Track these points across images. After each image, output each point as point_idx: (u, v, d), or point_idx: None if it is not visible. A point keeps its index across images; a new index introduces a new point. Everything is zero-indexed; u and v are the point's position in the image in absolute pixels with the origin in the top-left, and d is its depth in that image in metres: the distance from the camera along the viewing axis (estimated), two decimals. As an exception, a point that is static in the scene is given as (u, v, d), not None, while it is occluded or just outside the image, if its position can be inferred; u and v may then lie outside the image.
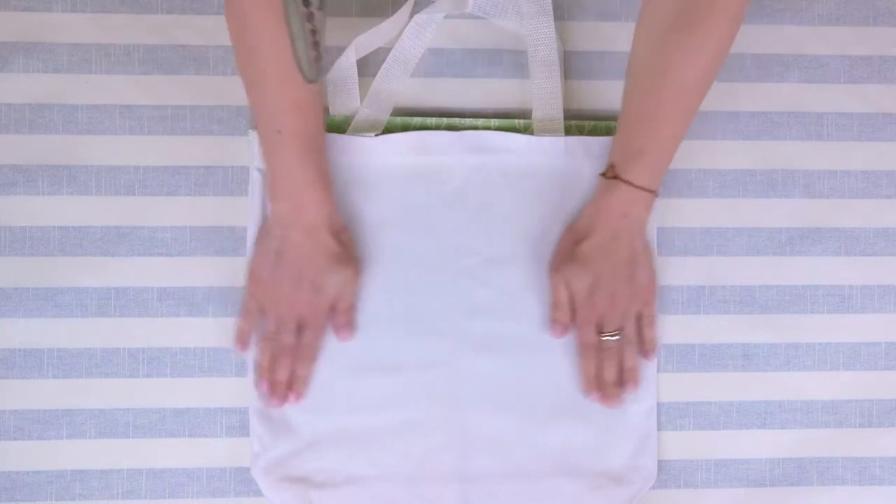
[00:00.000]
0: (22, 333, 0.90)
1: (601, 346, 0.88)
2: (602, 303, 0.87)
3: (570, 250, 0.87)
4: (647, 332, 0.89)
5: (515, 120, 0.92)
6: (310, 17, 0.78)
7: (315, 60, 0.79)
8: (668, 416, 0.93)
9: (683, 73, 0.81)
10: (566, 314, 0.88)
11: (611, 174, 0.85)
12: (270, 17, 0.78)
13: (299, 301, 0.85)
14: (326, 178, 0.86)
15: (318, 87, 0.84)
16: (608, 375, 0.89)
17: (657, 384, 0.92)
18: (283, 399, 0.88)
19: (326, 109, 0.92)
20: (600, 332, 0.88)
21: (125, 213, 0.91)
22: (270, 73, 0.81)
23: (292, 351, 0.87)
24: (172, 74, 0.92)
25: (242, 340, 0.88)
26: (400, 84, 0.92)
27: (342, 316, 0.88)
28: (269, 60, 0.80)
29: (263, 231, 0.88)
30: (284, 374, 0.87)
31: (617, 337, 0.88)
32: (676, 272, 0.93)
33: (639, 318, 0.89)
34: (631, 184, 0.84)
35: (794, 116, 0.95)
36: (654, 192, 0.85)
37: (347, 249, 0.87)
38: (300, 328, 0.87)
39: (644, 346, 0.90)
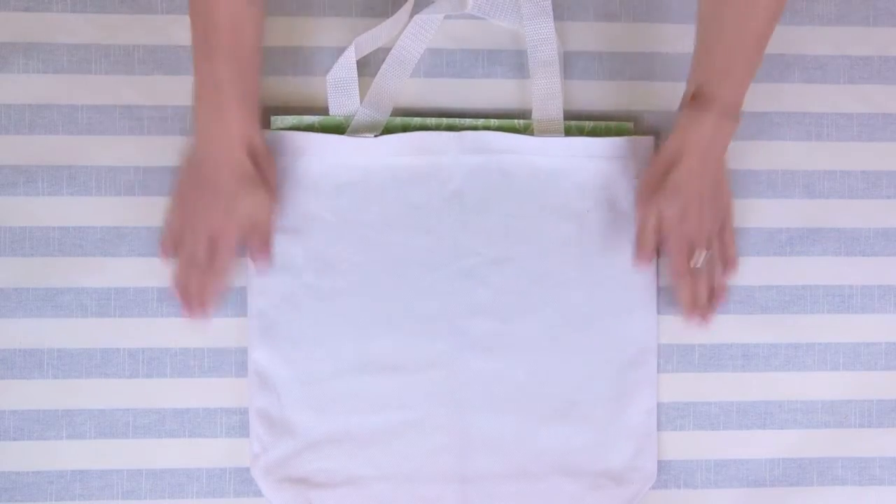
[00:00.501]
0: (22, 333, 0.90)
1: (693, 270, 0.89)
2: (693, 226, 0.87)
3: (659, 180, 0.86)
4: (731, 249, 0.91)
5: (515, 120, 0.92)
6: None
7: None
8: (668, 416, 0.93)
9: None
10: (653, 243, 0.88)
11: (700, 97, 0.83)
12: None
13: (211, 218, 0.85)
14: (253, 99, 0.84)
15: (259, 6, 0.82)
16: (703, 297, 0.89)
17: (657, 384, 0.92)
18: (196, 313, 0.87)
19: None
20: (690, 256, 0.88)
21: (125, 213, 0.91)
22: None
23: (205, 266, 0.86)
24: (172, 74, 0.92)
25: (164, 250, 0.88)
26: (400, 84, 0.92)
27: (255, 240, 0.87)
28: None
29: (189, 145, 0.87)
30: (195, 287, 0.87)
31: (705, 254, 0.88)
32: (676, 272, 0.93)
33: (721, 236, 0.90)
34: (722, 101, 0.82)
35: (794, 116, 0.95)
36: (737, 120, 0.84)
37: (264, 175, 0.86)
38: (213, 245, 0.86)
39: (728, 262, 0.91)
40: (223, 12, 0.80)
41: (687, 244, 0.87)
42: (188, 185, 0.86)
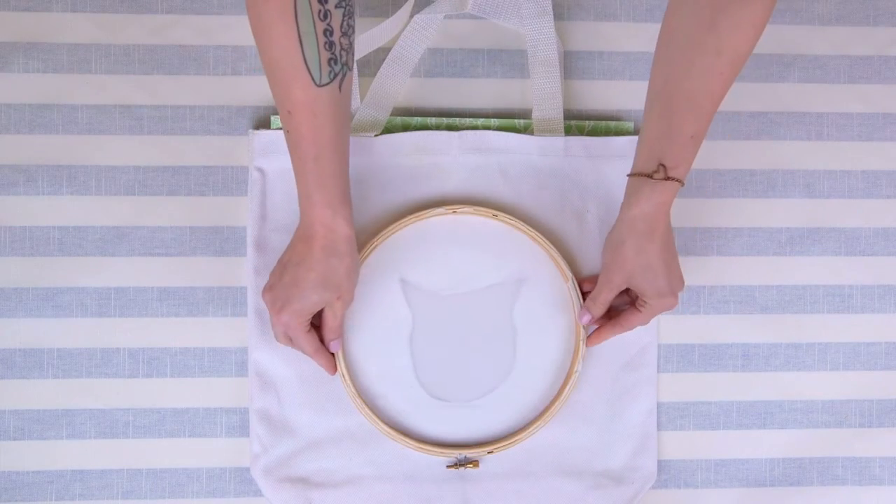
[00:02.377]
0: (22, 333, 0.90)
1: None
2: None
3: (634, 249, 0.82)
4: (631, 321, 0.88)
5: (515, 120, 0.92)
6: (324, 15, 0.74)
7: (328, 62, 0.75)
8: (668, 416, 0.93)
9: (740, 49, 0.76)
10: (604, 311, 0.88)
11: (662, 175, 0.80)
12: (280, 13, 0.73)
13: (277, 305, 0.83)
14: (328, 190, 0.80)
15: (332, 91, 0.76)
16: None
17: (657, 384, 0.92)
18: (333, 350, 0.86)
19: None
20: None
21: (125, 213, 0.91)
22: (279, 74, 0.76)
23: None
24: (172, 74, 0.92)
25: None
26: (400, 84, 0.92)
27: (324, 329, 0.85)
28: (277, 59, 0.75)
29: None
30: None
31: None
32: (676, 272, 0.93)
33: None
34: (681, 182, 0.80)
35: (794, 116, 0.95)
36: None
37: (336, 271, 0.82)
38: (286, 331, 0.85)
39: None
40: (292, 98, 0.76)
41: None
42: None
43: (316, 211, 0.79)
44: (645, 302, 0.84)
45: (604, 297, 0.86)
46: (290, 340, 0.85)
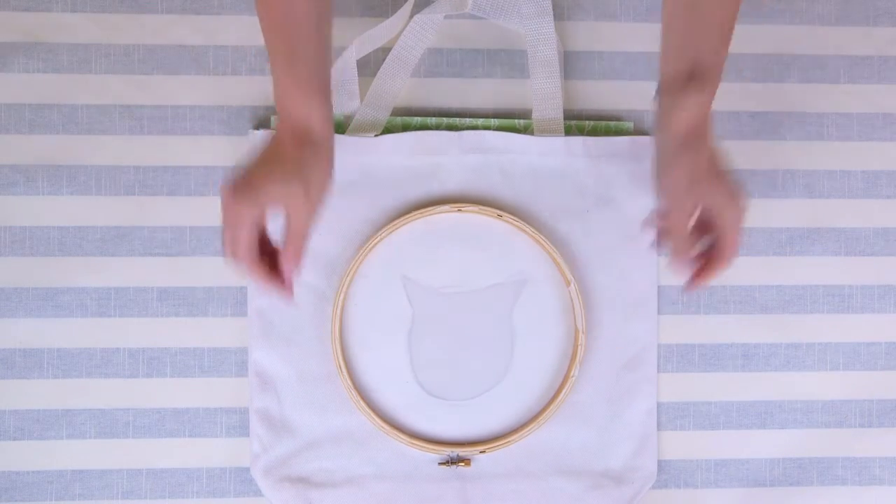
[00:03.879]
0: (22, 333, 0.90)
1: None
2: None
3: (687, 172, 0.77)
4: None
5: (515, 120, 0.92)
6: None
7: None
8: (668, 416, 0.93)
9: None
10: (692, 245, 0.80)
11: (699, 76, 0.75)
12: None
13: (237, 195, 0.73)
14: (299, 75, 0.73)
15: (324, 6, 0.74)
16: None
17: (657, 384, 0.92)
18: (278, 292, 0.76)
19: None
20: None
21: (125, 213, 0.91)
22: None
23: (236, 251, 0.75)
24: (172, 74, 0.92)
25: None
26: (400, 84, 0.92)
27: (286, 242, 0.75)
28: None
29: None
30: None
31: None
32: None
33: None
34: (718, 73, 0.76)
35: (794, 116, 0.95)
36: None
37: (309, 166, 0.75)
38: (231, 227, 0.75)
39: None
40: (278, 20, 0.73)
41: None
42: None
43: (290, 101, 0.73)
44: (721, 214, 0.76)
45: (681, 226, 0.77)
46: (235, 252, 0.73)
